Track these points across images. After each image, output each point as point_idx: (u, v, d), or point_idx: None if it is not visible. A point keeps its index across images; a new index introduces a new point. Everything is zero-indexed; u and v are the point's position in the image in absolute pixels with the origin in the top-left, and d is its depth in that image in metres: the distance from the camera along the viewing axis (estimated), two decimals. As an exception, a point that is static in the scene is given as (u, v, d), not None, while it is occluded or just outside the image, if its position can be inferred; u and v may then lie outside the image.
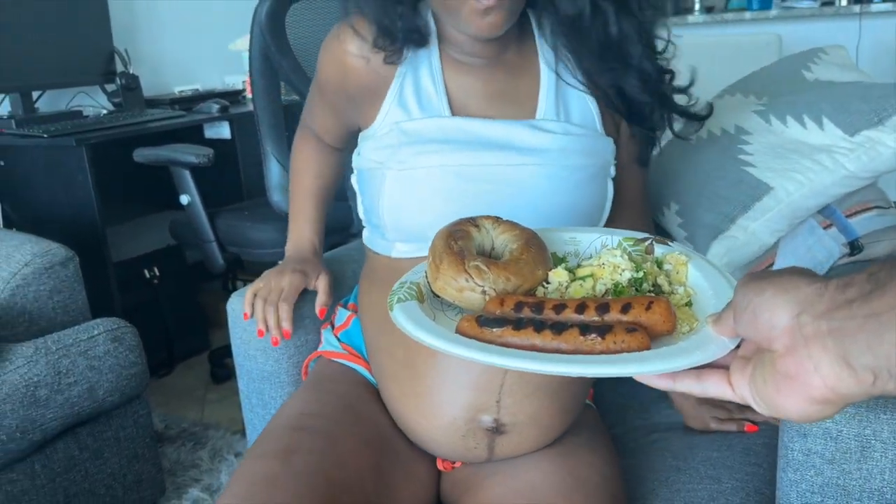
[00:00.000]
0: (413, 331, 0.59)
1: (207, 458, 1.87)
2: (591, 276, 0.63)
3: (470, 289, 0.62)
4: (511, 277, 0.61)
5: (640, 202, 1.04)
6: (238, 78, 2.90)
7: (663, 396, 1.13)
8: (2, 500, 1.35)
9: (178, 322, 2.61)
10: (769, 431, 1.05)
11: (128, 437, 1.56)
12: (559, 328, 0.55)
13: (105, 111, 2.47)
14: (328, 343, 1.07)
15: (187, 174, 1.91)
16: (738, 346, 0.53)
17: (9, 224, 2.20)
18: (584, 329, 0.54)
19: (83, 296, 1.61)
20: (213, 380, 2.42)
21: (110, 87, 2.55)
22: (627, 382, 1.18)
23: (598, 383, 1.11)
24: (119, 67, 2.50)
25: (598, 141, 0.92)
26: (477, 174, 0.87)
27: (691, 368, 0.52)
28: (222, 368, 2.42)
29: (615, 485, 0.87)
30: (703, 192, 1.09)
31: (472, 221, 0.69)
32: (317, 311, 1.10)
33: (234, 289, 3.01)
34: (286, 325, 1.08)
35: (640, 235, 0.71)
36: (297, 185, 1.16)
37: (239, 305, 1.14)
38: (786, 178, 0.99)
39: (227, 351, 2.43)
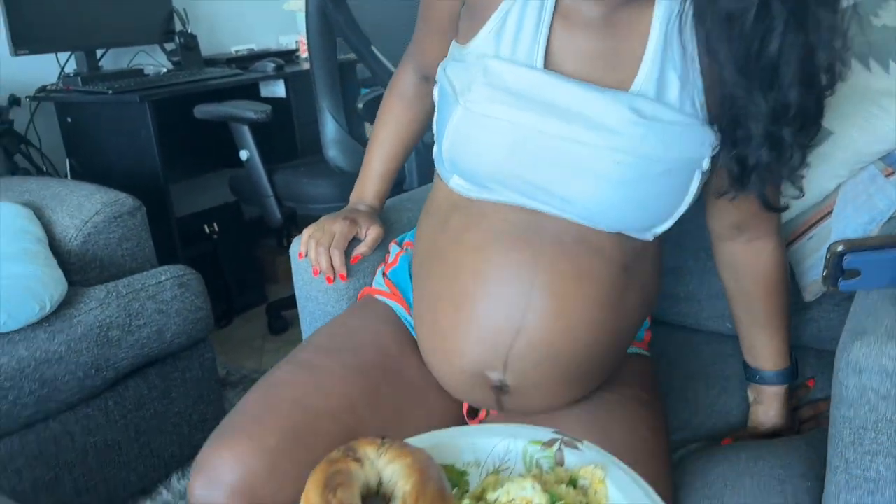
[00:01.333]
0: None
1: (266, 403, 1.94)
2: None
3: None
4: None
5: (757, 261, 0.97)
6: (292, 38, 2.93)
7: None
8: (79, 433, 1.43)
9: (236, 276, 2.69)
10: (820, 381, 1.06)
11: (194, 379, 1.63)
12: None
13: (165, 70, 2.53)
14: (376, 280, 1.10)
15: (246, 130, 1.95)
16: None
17: (76, 178, 2.28)
18: None
19: (150, 244, 1.67)
20: (271, 331, 2.49)
21: (169, 47, 2.60)
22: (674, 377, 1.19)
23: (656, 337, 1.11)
24: (177, 27, 2.55)
25: (691, 131, 0.79)
26: (541, 143, 0.80)
27: None
28: (279, 320, 2.49)
29: (655, 443, 0.86)
30: None
31: (353, 453, 0.58)
32: (351, 256, 1.13)
33: (289, 245, 3.09)
34: (339, 269, 1.11)
35: (546, 437, 0.63)
36: (375, 135, 1.17)
37: (298, 248, 1.18)
38: (848, 123, 0.97)
39: (283, 304, 2.50)
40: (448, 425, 0.93)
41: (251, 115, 1.89)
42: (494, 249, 0.85)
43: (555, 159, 0.80)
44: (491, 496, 0.55)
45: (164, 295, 1.51)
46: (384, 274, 1.09)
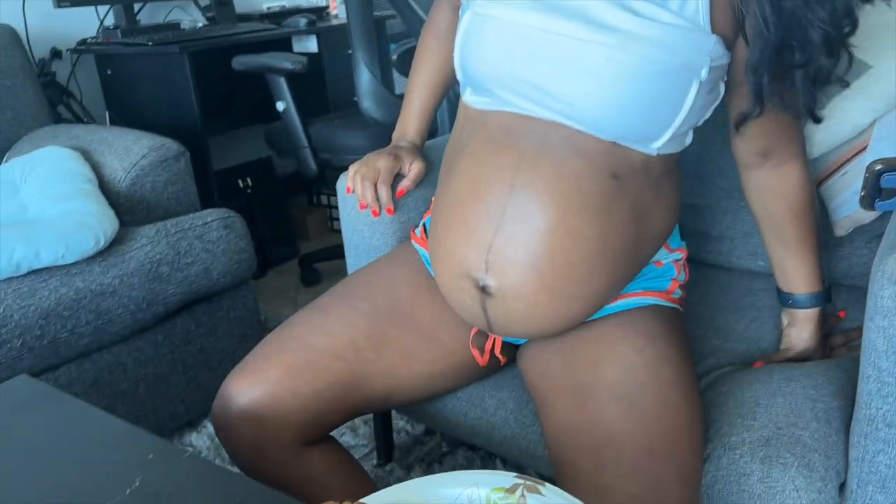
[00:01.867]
0: None
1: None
2: None
3: None
4: None
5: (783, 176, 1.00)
6: (323, -6, 2.95)
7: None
8: (130, 364, 1.50)
9: (268, 230, 2.74)
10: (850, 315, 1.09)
11: (237, 318, 1.68)
12: None
13: (200, 24, 2.56)
14: (420, 225, 1.14)
15: (283, 81, 1.99)
16: None
17: (114, 130, 2.33)
18: None
19: (194, 189, 1.72)
20: (303, 283, 2.55)
21: (203, 2, 2.63)
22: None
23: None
24: (212, -18, 2.58)
25: (689, 36, 0.81)
26: (542, 40, 0.83)
27: None
28: (312, 272, 2.54)
29: (683, 412, 0.86)
30: None
31: None
32: (396, 190, 1.18)
33: (319, 203, 3.14)
34: (385, 203, 1.16)
35: (509, 482, 0.63)
36: (413, 75, 1.20)
37: (345, 183, 1.22)
38: (886, 56, 0.99)
39: (316, 256, 2.55)
40: (457, 360, 1.03)
41: (288, 65, 1.93)
42: (484, 153, 0.89)
43: (554, 57, 0.83)
44: None
45: (211, 235, 1.56)
46: (422, 220, 1.14)
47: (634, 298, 0.96)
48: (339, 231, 3.09)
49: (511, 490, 0.62)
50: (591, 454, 0.84)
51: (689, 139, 0.92)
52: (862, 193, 0.80)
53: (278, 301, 2.43)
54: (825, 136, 1.07)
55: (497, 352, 1.03)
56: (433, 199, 1.13)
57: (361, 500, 0.62)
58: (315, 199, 3.14)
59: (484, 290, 0.90)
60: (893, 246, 0.77)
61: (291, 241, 2.84)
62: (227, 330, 1.67)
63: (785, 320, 1.07)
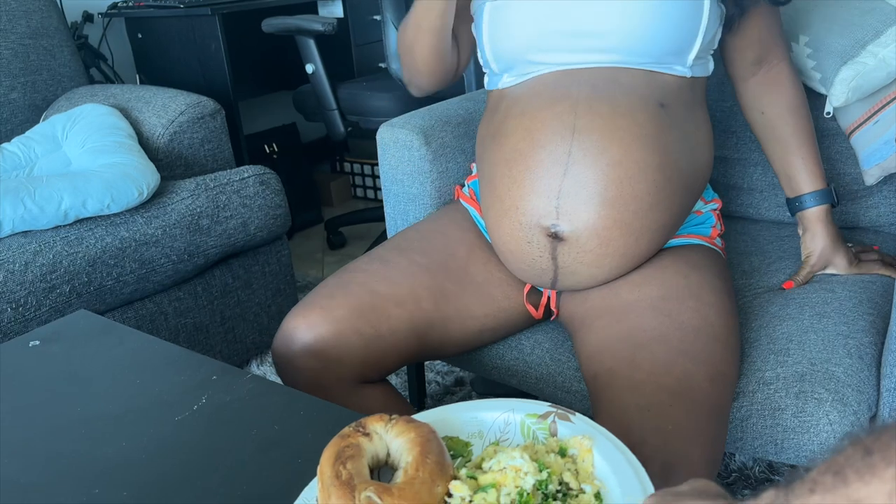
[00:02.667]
0: None
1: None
2: (494, 485, 0.57)
3: None
4: (406, 501, 0.55)
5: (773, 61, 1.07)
6: (348, -39, 2.96)
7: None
8: (172, 313, 1.54)
9: (294, 195, 2.78)
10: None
11: (272, 273, 1.73)
12: None
13: (229, -10, 2.58)
14: (465, 186, 1.18)
15: (312, 43, 2.01)
16: None
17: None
18: None
19: (229, 147, 1.76)
20: (330, 246, 2.59)
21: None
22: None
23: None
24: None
25: None
26: None
27: None
28: (338, 236, 2.58)
29: (721, 329, 0.89)
30: (835, 21, 1.11)
31: (362, 429, 0.62)
32: None
33: (342, 170, 3.18)
34: None
35: (542, 410, 0.67)
36: None
37: (389, 134, 1.25)
38: (922, 2, 1.01)
39: (342, 220, 2.59)
40: (509, 316, 1.06)
41: (318, 27, 1.95)
42: (536, 108, 0.94)
43: (574, 3, 0.91)
44: (486, 465, 0.59)
45: (248, 190, 1.60)
46: (467, 182, 1.18)
47: (681, 239, 1.02)
48: (361, 198, 3.16)
49: (543, 416, 0.67)
50: (627, 359, 0.87)
51: (711, 65, 1.01)
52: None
53: (305, 263, 2.47)
54: (862, 80, 1.08)
55: (553, 305, 1.06)
56: (472, 165, 1.18)
57: (415, 415, 0.67)
58: (338, 166, 3.17)
59: (556, 236, 0.93)
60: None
61: (316, 207, 2.88)
62: (262, 284, 1.71)
63: (800, 230, 1.11)
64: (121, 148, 1.50)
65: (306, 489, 0.62)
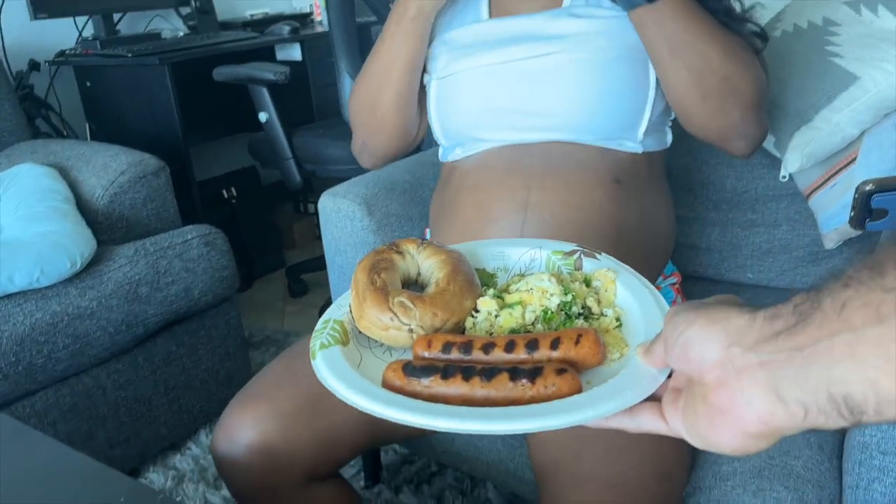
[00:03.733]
0: (339, 388, 0.57)
1: (290, 361, 1.98)
2: (520, 303, 0.61)
3: (395, 327, 0.59)
4: (438, 312, 0.59)
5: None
6: (306, 1, 2.92)
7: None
8: (110, 387, 1.47)
9: (254, 241, 2.71)
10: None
11: (220, 337, 1.66)
12: (488, 375, 0.53)
13: (181, 33, 2.53)
14: None
15: (265, 91, 1.96)
16: (669, 376, 0.52)
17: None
18: (514, 374, 0.52)
19: (174, 205, 1.70)
20: (291, 294, 2.53)
21: (185, 11, 2.60)
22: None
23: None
24: (193, -9, 2.55)
25: (629, 22, 0.88)
26: (506, 71, 0.92)
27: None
28: (299, 283, 2.52)
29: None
30: (789, 84, 1.09)
31: (396, 248, 0.67)
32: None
33: (306, 211, 3.12)
34: None
35: (568, 248, 0.70)
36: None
37: (330, 204, 1.20)
38: (873, 67, 0.98)
39: (303, 267, 2.53)
40: None
41: (270, 76, 1.90)
42: (489, 181, 0.92)
43: (524, 81, 0.91)
44: (513, 288, 0.63)
45: (191, 253, 1.53)
46: None
47: None
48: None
49: (570, 254, 0.69)
50: (572, 451, 0.83)
51: (668, 137, 0.98)
52: (852, 214, 0.78)
53: (265, 314, 2.40)
54: (816, 146, 1.05)
55: None
56: (427, 231, 1.13)
57: (434, 243, 0.69)
58: (302, 207, 3.12)
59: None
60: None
61: (278, 251, 2.82)
62: (209, 349, 1.65)
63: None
64: (55, 214, 1.44)
65: (340, 298, 0.67)
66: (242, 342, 1.73)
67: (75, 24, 2.40)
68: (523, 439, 1.00)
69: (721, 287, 1.27)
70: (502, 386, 0.52)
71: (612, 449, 0.81)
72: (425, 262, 0.66)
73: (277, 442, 0.87)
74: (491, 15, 0.97)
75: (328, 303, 2.18)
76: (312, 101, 2.51)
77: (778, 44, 1.14)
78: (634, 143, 0.93)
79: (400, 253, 0.66)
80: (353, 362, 0.59)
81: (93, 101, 2.34)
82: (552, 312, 0.60)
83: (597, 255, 0.69)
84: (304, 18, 2.76)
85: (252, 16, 2.73)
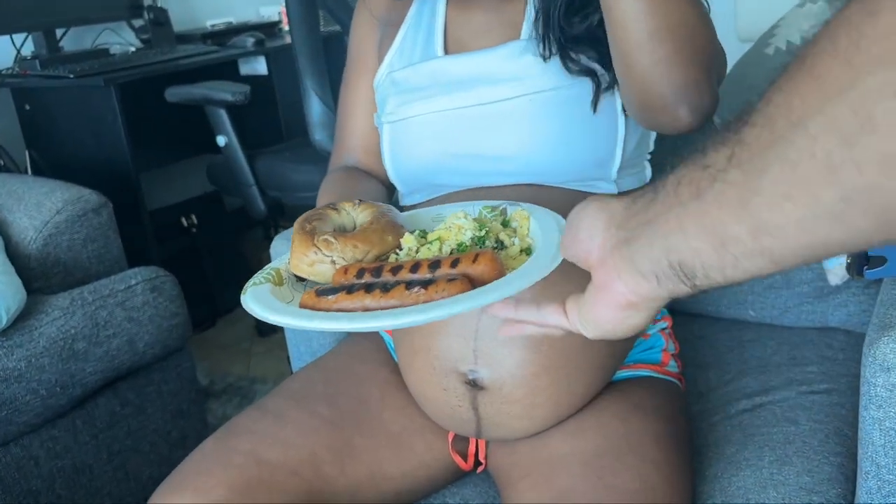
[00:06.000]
0: (258, 311, 0.69)
1: (254, 415, 1.97)
2: (438, 239, 0.72)
3: (319, 261, 0.70)
4: (358, 245, 0.70)
5: None
6: (274, 9, 2.94)
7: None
8: (44, 457, 1.46)
9: (218, 273, 2.71)
10: (852, 368, 1.06)
11: (171, 392, 1.65)
12: (387, 287, 0.64)
13: (133, 48, 2.54)
14: None
15: (223, 113, 1.97)
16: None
17: (37, 171, 2.31)
18: (409, 284, 0.64)
19: (118, 244, 1.69)
20: (259, 333, 2.52)
21: (137, 23, 2.62)
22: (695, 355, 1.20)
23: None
24: (146, 1, 2.57)
25: None
26: (462, 116, 0.94)
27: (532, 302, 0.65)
28: (267, 322, 2.51)
29: (664, 495, 0.83)
30: None
31: (333, 206, 0.78)
32: None
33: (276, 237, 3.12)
34: None
35: (496, 203, 0.82)
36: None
37: (283, 248, 1.19)
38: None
39: (271, 304, 2.52)
40: (432, 473, 0.99)
41: (228, 97, 1.91)
42: None
43: (482, 125, 0.93)
44: (433, 234, 0.73)
45: (135, 301, 1.53)
46: None
47: (625, 371, 0.97)
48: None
49: (496, 207, 0.80)
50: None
51: (647, 172, 0.99)
52: (848, 262, 0.78)
53: (229, 357, 2.40)
54: None
55: (482, 455, 0.98)
56: None
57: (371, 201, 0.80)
58: (273, 232, 3.11)
59: (474, 384, 0.88)
60: (883, 326, 0.74)
61: (244, 284, 2.80)
62: (159, 407, 1.64)
63: None
64: (-22, 263, 1.43)
65: (281, 257, 0.78)
66: (197, 395, 1.72)
67: (12, 41, 2.40)
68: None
69: (721, 325, 1.27)
70: (399, 295, 0.64)
71: None
72: (360, 216, 0.78)
73: None
74: (448, 50, 0.98)
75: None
76: (280, 119, 2.51)
77: (770, 61, 1.16)
78: (609, 182, 0.93)
79: (336, 210, 0.78)
80: (283, 300, 0.71)
81: (33, 128, 2.34)
82: (466, 245, 0.71)
83: (522, 205, 0.80)
84: (270, 28, 2.78)
85: (213, 26, 2.74)
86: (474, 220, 0.74)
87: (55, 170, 2.26)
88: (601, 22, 0.83)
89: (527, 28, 0.94)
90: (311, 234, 0.72)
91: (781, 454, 0.94)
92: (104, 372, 1.48)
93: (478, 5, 0.97)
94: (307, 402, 0.97)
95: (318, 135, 1.93)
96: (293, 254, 0.73)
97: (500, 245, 0.72)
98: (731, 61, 1.27)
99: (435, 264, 0.66)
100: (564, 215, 0.87)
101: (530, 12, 0.94)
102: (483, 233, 0.72)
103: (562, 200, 0.88)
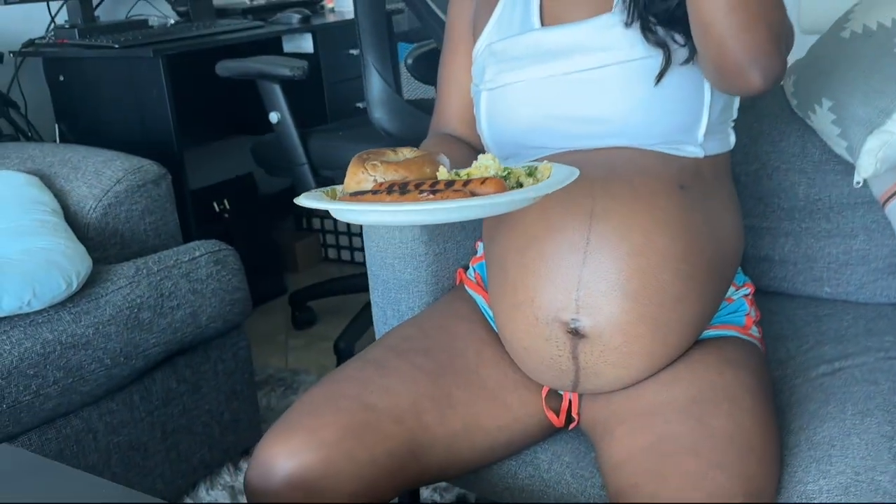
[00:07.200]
0: (301, 200, 0.87)
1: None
2: (468, 174, 0.86)
3: (365, 180, 0.87)
4: (399, 170, 0.86)
5: None
6: (316, -17, 3.01)
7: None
8: (102, 431, 1.52)
9: (251, 262, 2.76)
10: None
11: (227, 372, 1.71)
12: (403, 191, 0.81)
13: (172, 21, 2.61)
14: (470, 269, 1.24)
15: (278, 89, 2.04)
16: None
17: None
18: (421, 191, 0.80)
19: (175, 218, 1.76)
20: (295, 325, 2.57)
21: (175, -5, 2.69)
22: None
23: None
24: (187, -29, 2.64)
25: None
26: (559, 82, 1.07)
27: None
28: (306, 312, 2.57)
29: (757, 438, 0.96)
30: (858, 87, 1.22)
31: (393, 149, 0.93)
32: None
33: (310, 227, 3.18)
34: None
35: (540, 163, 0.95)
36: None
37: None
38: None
39: (310, 293, 2.58)
40: (525, 428, 1.10)
41: (286, 71, 1.97)
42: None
43: (574, 89, 1.05)
44: (464, 171, 0.88)
45: (199, 273, 1.59)
46: (472, 265, 1.24)
47: (713, 331, 1.10)
48: (333, 260, 3.15)
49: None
50: (653, 472, 0.93)
51: (731, 139, 1.12)
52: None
53: (265, 349, 2.45)
54: (889, 150, 1.17)
55: (574, 411, 1.09)
56: (478, 244, 1.22)
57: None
58: (305, 222, 3.17)
59: (576, 332, 1.00)
60: None
61: (278, 275, 2.87)
62: (213, 386, 1.70)
63: None
64: (43, 228, 1.50)
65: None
66: (251, 377, 1.78)
67: (48, 9, 2.47)
68: (595, 467, 1.06)
69: (797, 302, 1.38)
70: (412, 198, 0.80)
71: (699, 464, 0.91)
72: (409, 155, 0.92)
73: (316, 475, 0.95)
74: (544, 23, 1.11)
75: (345, 334, 2.23)
76: (325, 99, 2.58)
77: (846, 45, 1.28)
78: (695, 146, 1.05)
79: (394, 151, 0.92)
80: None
81: (65, 99, 2.40)
82: (489, 179, 0.85)
83: (554, 165, 0.92)
84: (313, 5, 2.85)
85: (253, 1, 2.81)
86: (502, 164, 0.89)
87: (86, 143, 2.30)
88: (680, 3, 0.96)
89: (618, 1, 1.05)
90: (361, 159, 0.88)
91: (863, 408, 1.04)
92: (167, 344, 1.55)
93: None
94: (407, 354, 1.09)
95: (377, 112, 2.00)
96: (347, 175, 0.89)
97: (518, 185, 0.87)
98: (795, 54, 1.40)
99: (451, 183, 0.82)
100: (652, 175, 1.02)
101: None
102: (505, 173, 0.87)
103: (655, 164, 1.02)
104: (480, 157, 0.89)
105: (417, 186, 0.82)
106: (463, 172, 0.87)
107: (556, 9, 1.11)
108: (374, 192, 0.83)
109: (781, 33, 0.93)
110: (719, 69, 0.94)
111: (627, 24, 1.03)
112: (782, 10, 0.94)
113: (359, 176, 0.87)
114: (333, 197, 0.90)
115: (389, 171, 0.85)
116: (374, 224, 0.90)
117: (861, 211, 1.32)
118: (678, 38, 1.01)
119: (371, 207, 0.82)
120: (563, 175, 0.87)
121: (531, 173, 0.89)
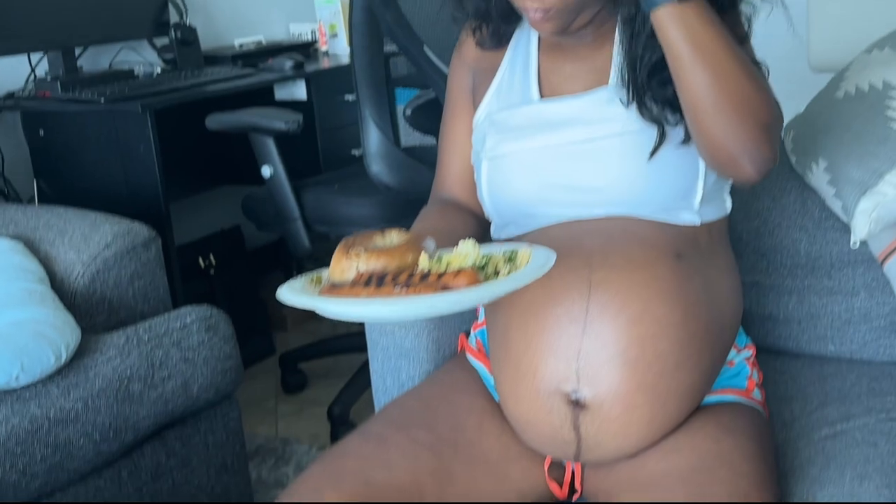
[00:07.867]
0: (282, 294, 0.92)
1: (295, 475, 2.04)
2: (448, 263, 0.92)
3: (348, 268, 0.91)
4: (381, 258, 0.91)
5: None
6: (306, 26, 3.08)
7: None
8: (89, 509, 1.54)
9: (237, 321, 2.78)
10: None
11: (217, 444, 1.74)
12: (380, 283, 0.87)
13: (158, 69, 2.66)
14: (472, 336, 1.30)
15: (271, 142, 2.09)
16: None
17: (45, 203, 2.38)
18: (396, 285, 0.87)
19: (164, 282, 1.80)
20: (285, 389, 2.60)
21: (160, 42, 2.74)
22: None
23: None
24: (172, 17, 2.69)
25: None
26: (559, 152, 1.14)
27: None
28: (296, 375, 2.60)
29: (755, 500, 1.01)
30: (852, 149, 1.32)
31: (381, 231, 0.98)
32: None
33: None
34: None
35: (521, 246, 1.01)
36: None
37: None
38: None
39: (300, 354, 2.60)
40: (527, 500, 1.14)
41: (280, 125, 2.02)
42: None
43: (571, 160, 1.13)
44: (445, 258, 0.93)
45: (191, 340, 1.63)
46: (473, 331, 1.30)
47: (714, 396, 1.16)
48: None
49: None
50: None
51: (728, 204, 1.19)
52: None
53: (254, 415, 2.46)
54: (882, 211, 1.25)
55: (577, 482, 1.14)
56: (479, 310, 1.27)
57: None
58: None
59: (577, 403, 1.05)
60: None
61: (265, 334, 2.89)
62: (204, 460, 1.72)
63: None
64: (31, 298, 1.53)
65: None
66: (242, 450, 1.81)
67: (29, 60, 2.50)
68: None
69: (802, 361, 1.44)
70: (387, 291, 0.86)
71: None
72: (395, 239, 0.96)
73: None
74: (543, 94, 1.19)
75: (339, 399, 2.25)
76: (319, 147, 2.62)
77: (840, 105, 1.38)
78: (692, 213, 1.11)
79: (381, 234, 0.97)
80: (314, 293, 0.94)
81: (45, 155, 2.41)
82: (465, 269, 0.90)
83: (535, 247, 0.99)
84: (305, 48, 2.91)
85: (241, 46, 2.86)
86: (483, 255, 0.95)
87: (67, 201, 2.32)
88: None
89: (614, 75, 1.14)
90: (349, 246, 0.93)
91: (861, 471, 1.10)
92: (158, 416, 1.57)
93: (567, 55, 1.18)
94: (408, 428, 1.14)
95: (375, 166, 2.05)
96: (332, 261, 0.94)
97: (496, 273, 0.92)
98: (803, 91, 1.55)
99: (426, 275, 0.88)
100: (649, 245, 1.09)
101: (615, 59, 1.14)
102: (483, 262, 0.93)
103: (652, 233, 1.10)
104: (461, 243, 0.95)
105: (395, 278, 0.88)
106: (444, 259, 0.93)
107: (555, 80, 1.20)
108: (353, 283, 0.89)
109: (770, 125, 1.02)
110: (712, 159, 1.05)
111: (625, 104, 1.10)
112: (768, 101, 1.02)
113: (342, 264, 0.92)
114: (319, 283, 0.97)
115: (371, 259, 0.91)
116: (348, 319, 0.92)
117: (861, 269, 1.39)
118: (670, 118, 1.08)
119: (341, 304, 0.89)
120: (540, 261, 0.93)
121: (511, 258, 0.96)
